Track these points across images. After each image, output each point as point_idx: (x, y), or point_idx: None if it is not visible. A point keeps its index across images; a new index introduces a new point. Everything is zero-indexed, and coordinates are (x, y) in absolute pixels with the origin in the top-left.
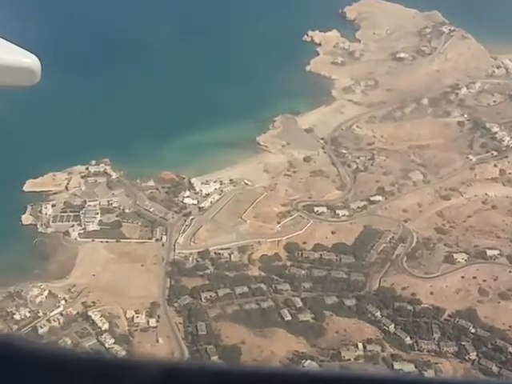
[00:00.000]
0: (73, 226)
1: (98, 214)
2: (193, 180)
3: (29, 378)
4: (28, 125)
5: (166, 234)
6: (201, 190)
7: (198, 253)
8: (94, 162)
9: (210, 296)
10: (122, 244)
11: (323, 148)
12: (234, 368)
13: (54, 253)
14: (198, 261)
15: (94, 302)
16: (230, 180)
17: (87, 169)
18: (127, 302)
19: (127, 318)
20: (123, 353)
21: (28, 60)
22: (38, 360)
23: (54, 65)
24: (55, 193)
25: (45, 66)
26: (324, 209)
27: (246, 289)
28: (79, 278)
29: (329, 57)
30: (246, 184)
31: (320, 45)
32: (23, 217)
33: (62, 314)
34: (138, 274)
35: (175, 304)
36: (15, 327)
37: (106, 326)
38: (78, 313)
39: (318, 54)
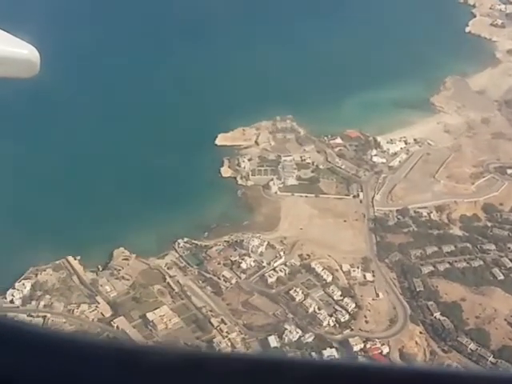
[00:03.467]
0: (271, 179)
1: (295, 168)
2: (378, 139)
3: (30, 362)
4: (212, 83)
5: (361, 191)
6: (388, 149)
7: (397, 210)
8: (278, 118)
9: (420, 253)
10: (321, 199)
11: (499, 110)
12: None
13: (257, 205)
14: (398, 218)
15: (308, 255)
16: (415, 140)
17: (274, 124)
18: (339, 255)
19: (344, 272)
20: (352, 305)
21: (26, 51)
22: (38, 343)
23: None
24: (246, 147)
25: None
26: None
27: (452, 247)
28: (288, 231)
29: (486, 18)
30: (430, 144)
31: (474, 6)
32: (222, 169)
33: (285, 265)
34: (343, 230)
35: (386, 260)
36: (243, 276)
37: (329, 279)
38: (300, 264)
39: (475, 16)
